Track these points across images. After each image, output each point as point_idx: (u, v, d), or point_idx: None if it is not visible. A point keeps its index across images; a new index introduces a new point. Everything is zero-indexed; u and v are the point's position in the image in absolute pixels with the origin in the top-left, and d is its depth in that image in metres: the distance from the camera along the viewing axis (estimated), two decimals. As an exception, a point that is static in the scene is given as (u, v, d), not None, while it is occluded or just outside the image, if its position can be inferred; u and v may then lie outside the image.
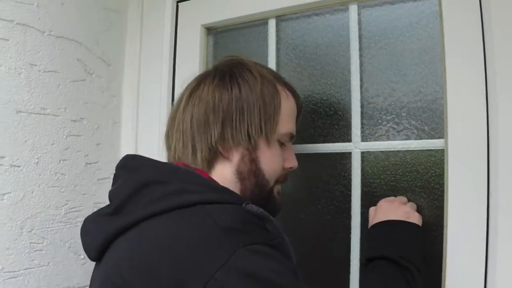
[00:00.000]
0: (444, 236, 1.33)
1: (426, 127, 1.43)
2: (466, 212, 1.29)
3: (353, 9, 1.58)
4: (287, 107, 1.22)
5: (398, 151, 1.46)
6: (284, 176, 1.28)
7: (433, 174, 1.41)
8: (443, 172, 1.36)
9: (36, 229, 1.48)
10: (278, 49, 1.71)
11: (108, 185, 1.74)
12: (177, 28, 1.88)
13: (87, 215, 1.17)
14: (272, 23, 1.73)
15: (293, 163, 1.28)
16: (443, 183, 1.36)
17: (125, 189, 1.06)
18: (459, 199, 1.30)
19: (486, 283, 1.25)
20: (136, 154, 1.25)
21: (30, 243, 1.46)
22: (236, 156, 1.14)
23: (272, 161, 1.19)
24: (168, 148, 1.23)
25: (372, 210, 1.40)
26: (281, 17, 1.72)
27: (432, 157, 1.42)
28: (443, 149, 1.37)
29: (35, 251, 1.47)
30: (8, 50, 1.41)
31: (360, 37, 1.56)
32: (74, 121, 1.63)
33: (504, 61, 1.25)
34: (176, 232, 0.93)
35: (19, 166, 1.44)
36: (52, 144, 1.55)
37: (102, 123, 1.78)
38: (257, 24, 1.78)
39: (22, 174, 1.45)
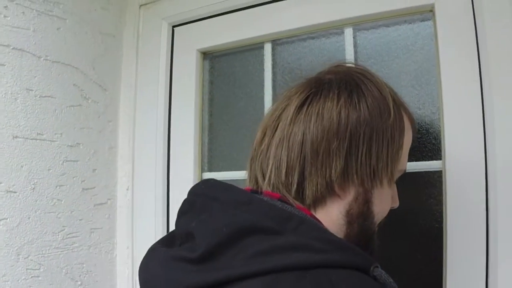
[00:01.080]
0: (444, 258, 1.33)
1: (424, 148, 1.43)
2: (466, 234, 1.29)
3: (349, 32, 1.59)
4: (408, 140, 0.99)
5: (396, 173, 1.46)
6: (386, 217, 1.02)
7: (432, 195, 1.41)
8: (442, 194, 1.36)
9: (33, 255, 1.46)
10: (274, 73, 1.72)
11: (104, 211, 1.73)
12: (173, 52, 1.88)
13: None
14: (268, 47, 1.74)
15: (396, 202, 1.05)
16: (442, 205, 1.36)
17: (220, 231, 0.77)
18: (458, 220, 1.30)
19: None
20: (223, 182, 0.93)
21: (27, 269, 1.44)
22: (350, 195, 0.89)
23: (385, 201, 0.96)
24: (259, 170, 0.96)
25: None
26: (277, 41, 1.73)
27: (430, 178, 1.42)
28: (441, 170, 1.37)
29: (32, 277, 1.45)
30: (4, 75, 1.41)
31: (356, 59, 1.57)
32: (71, 146, 1.62)
33: (500, 81, 1.26)
34: None
35: (15, 192, 1.42)
36: (49, 169, 1.53)
37: (99, 148, 1.77)
38: (253, 48, 1.79)
39: (18, 200, 1.43)
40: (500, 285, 1.22)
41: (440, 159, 1.39)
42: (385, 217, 1.00)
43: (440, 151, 1.39)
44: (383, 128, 0.88)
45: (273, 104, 1.00)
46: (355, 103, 0.88)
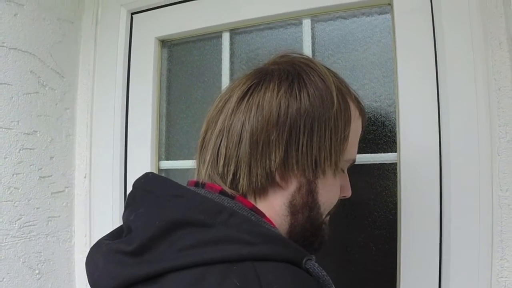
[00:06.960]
0: (398, 249, 1.37)
1: (379, 141, 1.46)
2: (419, 225, 1.33)
3: (307, 23, 1.60)
4: (356, 130, 0.98)
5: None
6: (336, 207, 1.01)
7: (386, 187, 1.45)
8: (396, 185, 1.40)
9: (-10, 244, 1.46)
10: (232, 62, 1.73)
11: (62, 199, 1.72)
12: (131, 40, 1.88)
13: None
14: (226, 36, 1.75)
15: (348, 191, 1.05)
16: (396, 196, 1.40)
17: (153, 225, 0.79)
18: (412, 212, 1.34)
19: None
20: (161, 175, 0.95)
21: (-16, 259, 1.43)
22: (293, 185, 0.89)
23: (332, 192, 0.95)
24: (202, 161, 0.96)
25: None
26: (235, 31, 1.75)
27: (385, 170, 1.45)
28: (396, 163, 1.41)
29: (-12, 267, 1.45)
30: (-41, 63, 1.38)
31: (313, 51, 1.59)
32: (27, 134, 1.61)
33: (456, 76, 1.29)
34: None
35: (-29, 181, 1.41)
36: (5, 157, 1.52)
37: (56, 136, 1.76)
38: (211, 37, 1.80)
39: (-26, 188, 1.42)
40: (452, 274, 1.26)
41: (395, 151, 1.42)
42: (335, 207, 0.99)
43: (395, 143, 1.42)
44: (325, 118, 0.87)
45: (218, 96, 0.99)
46: (296, 93, 0.87)
